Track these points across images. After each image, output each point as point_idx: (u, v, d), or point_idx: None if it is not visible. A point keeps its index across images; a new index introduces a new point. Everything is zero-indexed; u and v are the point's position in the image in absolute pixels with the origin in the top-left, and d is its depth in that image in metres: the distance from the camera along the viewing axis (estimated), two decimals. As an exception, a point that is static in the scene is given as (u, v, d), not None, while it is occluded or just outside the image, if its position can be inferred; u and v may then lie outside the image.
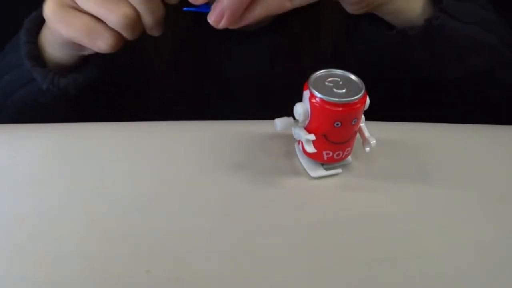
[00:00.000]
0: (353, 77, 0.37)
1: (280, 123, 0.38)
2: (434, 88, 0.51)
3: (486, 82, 0.49)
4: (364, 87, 0.36)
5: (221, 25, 0.38)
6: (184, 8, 0.39)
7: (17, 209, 0.36)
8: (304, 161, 0.39)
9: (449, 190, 0.38)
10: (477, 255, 0.34)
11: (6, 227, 0.34)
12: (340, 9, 0.43)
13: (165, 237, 0.34)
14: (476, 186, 0.39)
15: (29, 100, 0.48)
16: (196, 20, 0.53)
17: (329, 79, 0.36)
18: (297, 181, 0.38)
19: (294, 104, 0.37)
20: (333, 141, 0.37)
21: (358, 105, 0.35)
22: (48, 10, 0.41)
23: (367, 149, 0.38)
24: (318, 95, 0.35)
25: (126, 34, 0.40)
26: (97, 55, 0.48)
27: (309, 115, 0.36)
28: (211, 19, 0.38)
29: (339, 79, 0.36)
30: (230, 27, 0.38)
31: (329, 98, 0.34)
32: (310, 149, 0.37)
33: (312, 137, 0.36)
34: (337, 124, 0.35)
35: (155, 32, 0.42)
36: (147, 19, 0.40)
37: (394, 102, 0.51)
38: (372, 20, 0.47)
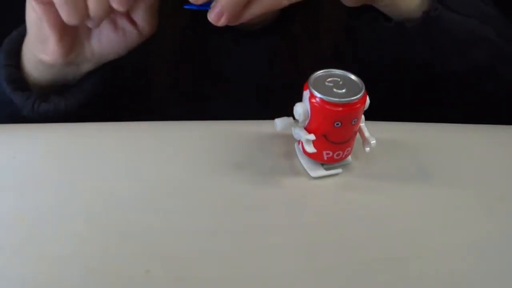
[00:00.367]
0: (353, 77, 0.37)
1: (280, 123, 0.38)
2: (434, 85, 0.51)
3: (484, 75, 0.49)
4: (364, 87, 0.36)
5: (221, 22, 0.38)
6: (185, 6, 0.39)
7: (17, 209, 0.36)
8: (304, 161, 0.39)
9: (449, 190, 0.38)
10: (477, 255, 0.34)
11: (6, 227, 0.34)
12: (340, 9, 0.43)
13: (165, 237, 0.34)
14: (476, 186, 0.39)
15: (12, 117, 0.46)
16: (195, 20, 0.53)
17: (329, 79, 0.36)
18: (297, 181, 0.38)
19: (294, 104, 0.37)
20: (333, 141, 0.37)
21: (358, 105, 0.35)
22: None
23: (367, 149, 0.38)
24: (318, 95, 0.35)
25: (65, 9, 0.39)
26: (84, 79, 0.47)
27: (309, 115, 0.36)
28: (211, 17, 0.38)
29: (339, 79, 0.36)
30: (230, 24, 0.38)
31: (329, 98, 0.34)
32: (310, 149, 0.37)
33: (312, 137, 0.36)
34: (337, 124, 0.35)
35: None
36: None
37: (394, 102, 0.51)
38: (370, 15, 0.46)
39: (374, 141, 0.38)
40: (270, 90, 0.56)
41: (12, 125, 0.45)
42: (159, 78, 0.56)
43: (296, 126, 0.38)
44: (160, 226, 0.35)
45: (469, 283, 0.32)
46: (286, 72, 0.54)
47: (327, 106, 0.35)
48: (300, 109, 0.36)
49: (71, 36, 0.43)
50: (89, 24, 0.43)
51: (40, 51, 0.43)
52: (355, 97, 0.35)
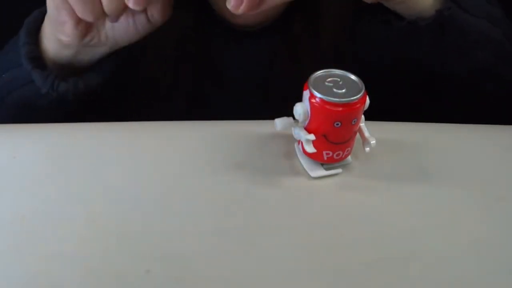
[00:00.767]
0: (353, 77, 0.37)
1: (280, 123, 0.38)
2: (434, 85, 0.51)
3: (486, 76, 0.49)
4: (364, 87, 0.36)
5: (241, 9, 0.37)
6: None
7: (17, 208, 0.36)
8: (304, 161, 0.39)
9: (449, 190, 0.38)
10: (477, 255, 0.34)
11: (5, 227, 0.34)
12: (341, 8, 0.43)
13: (165, 237, 0.34)
14: (476, 186, 0.39)
15: (26, 100, 0.47)
16: (197, 20, 0.53)
17: (329, 79, 0.36)
18: (297, 181, 0.38)
19: (294, 104, 0.37)
20: (333, 141, 0.37)
21: (358, 105, 0.35)
22: None
23: (367, 149, 0.38)
24: (318, 95, 0.35)
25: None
26: (101, 62, 0.48)
27: (309, 115, 0.36)
28: (230, 3, 0.37)
29: (339, 79, 0.36)
30: (249, 13, 0.37)
31: (329, 98, 0.34)
32: (310, 149, 0.37)
33: (312, 137, 0.36)
34: (337, 124, 0.35)
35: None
36: None
37: (394, 102, 0.51)
38: (381, 12, 0.46)
39: (374, 141, 0.38)
40: (270, 90, 0.56)
41: (12, 125, 0.45)
42: (159, 78, 0.56)
43: (296, 126, 0.38)
44: (160, 226, 0.35)
45: (469, 283, 0.32)
46: (286, 72, 0.54)
47: (327, 106, 0.35)
48: (300, 109, 0.36)
49: (86, 22, 0.44)
50: (108, 20, 0.44)
51: (58, 31, 0.44)
52: (355, 97, 0.35)
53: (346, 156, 0.39)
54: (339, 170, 0.39)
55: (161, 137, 0.43)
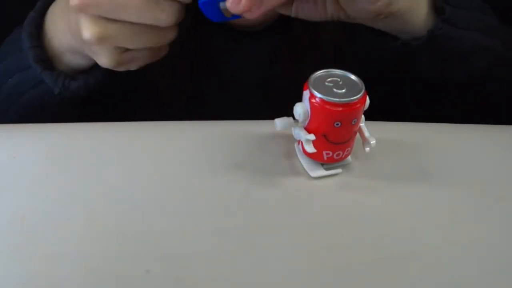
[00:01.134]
0: (353, 77, 0.37)
1: (280, 123, 0.38)
2: (435, 88, 0.51)
3: (486, 82, 0.49)
4: (364, 87, 0.36)
5: (241, 6, 0.35)
6: (200, 0, 0.37)
7: (17, 208, 0.36)
8: (304, 161, 0.39)
9: (449, 190, 0.38)
10: (477, 255, 0.34)
11: (5, 227, 0.34)
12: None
13: (165, 237, 0.34)
14: (476, 186, 0.39)
15: (38, 101, 0.47)
16: (197, 20, 0.53)
17: (329, 79, 0.36)
18: (297, 181, 0.38)
19: (294, 104, 0.37)
20: (333, 141, 0.37)
21: (358, 105, 0.35)
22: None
23: (367, 149, 0.38)
24: (318, 95, 0.35)
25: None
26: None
27: (309, 115, 0.36)
28: (229, 2, 0.35)
29: (339, 79, 0.36)
30: (248, 17, 0.36)
31: (329, 98, 0.34)
32: (310, 149, 0.37)
33: (312, 137, 0.36)
34: (337, 124, 0.35)
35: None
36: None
37: (394, 102, 0.51)
38: (374, 32, 0.46)
39: (374, 141, 0.38)
40: (270, 90, 0.56)
41: (12, 125, 0.45)
42: (159, 78, 0.56)
43: (296, 126, 0.38)
44: (160, 226, 0.35)
45: (469, 283, 0.32)
46: (286, 72, 0.54)
47: (327, 106, 0.35)
48: (300, 109, 0.36)
49: None
50: None
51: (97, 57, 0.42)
52: (355, 97, 0.35)
53: (346, 156, 0.39)
54: (339, 170, 0.39)
55: (161, 137, 0.43)
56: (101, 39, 0.38)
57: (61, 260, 0.32)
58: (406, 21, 0.44)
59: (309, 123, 0.37)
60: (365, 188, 0.38)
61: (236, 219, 0.36)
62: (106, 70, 0.47)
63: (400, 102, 0.52)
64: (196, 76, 0.56)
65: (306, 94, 0.36)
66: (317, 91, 0.35)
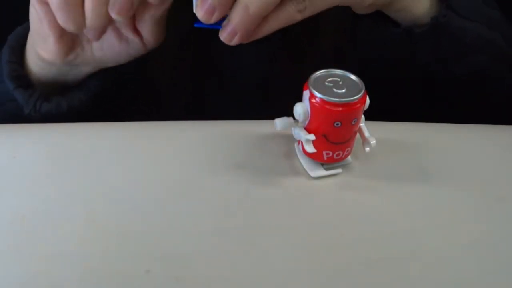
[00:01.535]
0: (353, 77, 0.37)
1: (280, 123, 0.38)
2: (436, 86, 0.51)
3: (487, 78, 0.49)
4: (364, 87, 0.36)
5: (234, 42, 0.37)
6: (195, 24, 0.38)
7: (16, 208, 0.36)
8: (304, 161, 0.39)
9: (449, 190, 0.38)
10: (477, 255, 0.34)
11: (5, 227, 0.34)
12: (341, 9, 0.43)
13: (165, 237, 0.34)
14: (476, 186, 0.39)
15: (13, 115, 0.46)
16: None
17: (329, 79, 0.36)
18: (297, 181, 0.38)
19: (294, 104, 0.37)
20: (333, 141, 0.37)
21: (358, 105, 0.35)
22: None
23: (367, 149, 0.38)
24: (318, 95, 0.35)
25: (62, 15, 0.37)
26: (86, 80, 0.47)
27: (309, 115, 0.36)
28: (223, 36, 0.37)
29: (339, 79, 0.36)
30: (243, 42, 0.38)
31: (329, 98, 0.34)
32: (310, 149, 0.37)
33: (312, 137, 0.36)
34: (337, 124, 0.35)
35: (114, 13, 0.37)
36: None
37: (394, 102, 0.51)
38: (377, 18, 0.46)
39: (374, 141, 0.38)
40: (270, 90, 0.56)
41: (12, 125, 0.45)
42: (159, 78, 0.56)
43: (296, 126, 0.38)
44: (160, 226, 0.35)
45: (469, 283, 0.32)
46: (286, 72, 0.54)
47: (327, 106, 0.35)
48: (300, 109, 0.36)
49: (70, 37, 0.42)
50: (89, 35, 0.42)
51: (40, 47, 0.43)
52: (355, 97, 0.35)
53: (346, 156, 0.39)
54: (339, 170, 0.39)
55: (161, 137, 0.43)
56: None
57: (61, 260, 0.32)
58: (407, 7, 0.44)
59: (309, 123, 0.37)
60: (365, 188, 0.38)
61: (236, 219, 0.36)
62: (84, 93, 0.47)
63: (400, 102, 0.52)
64: (196, 76, 0.56)
65: (306, 94, 0.36)
66: (317, 91, 0.35)
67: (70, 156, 0.41)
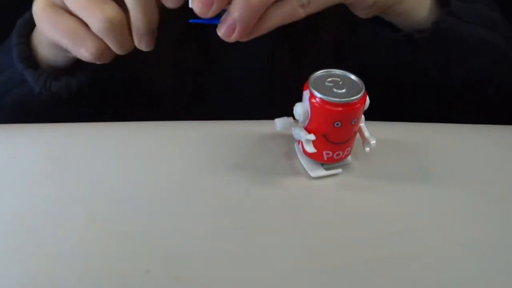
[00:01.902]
0: (353, 77, 0.37)
1: (280, 123, 0.38)
2: (436, 88, 0.51)
3: (488, 81, 0.49)
4: (364, 87, 0.36)
5: (233, 38, 0.36)
6: (191, 20, 0.37)
7: (16, 209, 0.36)
8: (304, 161, 0.39)
9: (449, 190, 0.38)
10: (477, 255, 0.34)
11: (5, 227, 0.34)
12: (342, 9, 0.43)
13: (165, 237, 0.34)
14: (476, 186, 0.39)
15: (21, 101, 0.47)
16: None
17: (329, 79, 0.36)
18: (297, 181, 0.38)
19: (294, 104, 0.37)
20: (333, 141, 0.37)
21: (358, 105, 0.35)
22: (37, 7, 0.39)
23: (367, 149, 0.38)
24: (318, 95, 0.35)
25: (111, 43, 0.38)
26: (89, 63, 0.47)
27: (309, 115, 0.36)
28: (221, 31, 0.36)
29: (339, 79, 0.36)
30: (242, 40, 0.36)
31: (329, 98, 0.34)
32: (310, 149, 0.37)
33: (312, 137, 0.36)
34: (337, 124, 0.35)
35: (144, 44, 0.39)
36: (137, 23, 0.37)
37: (394, 102, 0.51)
38: (377, 23, 0.46)
39: (374, 141, 0.38)
40: (270, 90, 0.56)
41: (12, 125, 0.45)
42: (159, 77, 0.56)
43: (296, 126, 0.38)
44: (160, 226, 0.35)
45: (469, 283, 0.32)
46: (286, 72, 0.54)
47: (327, 106, 0.35)
48: (300, 109, 0.36)
49: None
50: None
51: (72, 49, 0.41)
52: (355, 97, 0.35)
53: (346, 156, 0.39)
54: (339, 170, 0.39)
55: (161, 137, 0.43)
56: None
57: (61, 260, 0.32)
58: (407, 12, 0.43)
59: (309, 123, 0.37)
60: (365, 188, 0.38)
61: (236, 219, 0.36)
62: (89, 72, 0.47)
63: (400, 102, 0.52)
64: (196, 76, 0.56)
65: (306, 94, 0.36)
66: (317, 91, 0.35)
67: (70, 156, 0.41)
